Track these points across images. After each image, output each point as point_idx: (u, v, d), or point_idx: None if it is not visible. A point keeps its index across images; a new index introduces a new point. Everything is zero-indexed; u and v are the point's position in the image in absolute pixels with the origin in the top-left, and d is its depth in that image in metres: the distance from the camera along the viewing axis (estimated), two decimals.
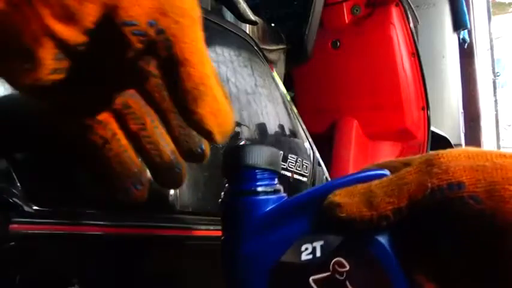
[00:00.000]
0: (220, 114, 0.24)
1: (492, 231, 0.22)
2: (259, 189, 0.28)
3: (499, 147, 3.94)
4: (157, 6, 0.21)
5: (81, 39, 0.21)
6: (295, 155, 0.71)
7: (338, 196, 0.25)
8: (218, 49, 0.66)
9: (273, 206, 0.28)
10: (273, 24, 1.28)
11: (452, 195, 0.22)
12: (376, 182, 0.24)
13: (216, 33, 0.69)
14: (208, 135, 0.24)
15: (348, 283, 0.25)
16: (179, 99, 0.23)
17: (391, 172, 0.26)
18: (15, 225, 0.33)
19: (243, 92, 0.65)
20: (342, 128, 1.52)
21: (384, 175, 0.25)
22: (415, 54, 1.45)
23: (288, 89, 1.08)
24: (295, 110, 0.85)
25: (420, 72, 1.46)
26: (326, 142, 1.47)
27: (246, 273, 0.27)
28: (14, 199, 0.35)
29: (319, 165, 0.83)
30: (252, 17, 0.91)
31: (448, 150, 0.24)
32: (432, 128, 1.54)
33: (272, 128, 0.70)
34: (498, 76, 3.85)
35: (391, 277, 0.24)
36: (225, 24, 0.72)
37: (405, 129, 1.48)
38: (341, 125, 1.52)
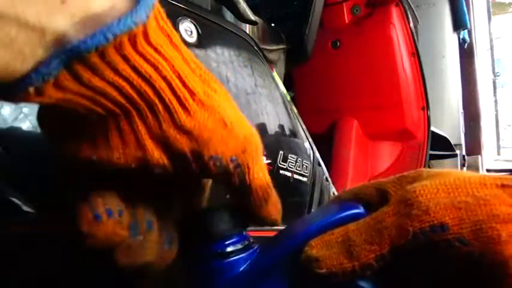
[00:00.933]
0: (277, 205, 0.29)
1: (482, 273, 0.21)
2: (229, 249, 0.26)
3: (499, 147, 3.95)
4: (240, 146, 0.25)
5: (164, 163, 0.23)
6: (295, 155, 0.71)
7: (315, 249, 0.23)
8: (218, 49, 0.66)
9: (246, 265, 0.26)
10: (273, 24, 1.28)
11: (436, 238, 0.21)
12: (352, 227, 0.23)
13: (216, 33, 0.69)
14: (274, 222, 0.29)
15: None
16: (251, 206, 0.27)
17: (365, 204, 0.25)
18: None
19: (243, 92, 0.65)
20: (342, 128, 1.52)
21: (358, 214, 0.24)
22: (415, 54, 1.45)
23: (288, 89, 1.08)
24: (295, 110, 0.85)
25: (420, 72, 1.46)
26: (326, 142, 1.47)
27: None
28: (14, 199, 0.35)
29: (319, 165, 0.83)
30: (252, 17, 0.91)
31: (424, 184, 0.22)
32: (432, 128, 1.54)
33: (272, 128, 0.70)
34: (498, 76, 3.86)
35: None
36: (225, 24, 0.72)
37: (405, 129, 1.48)
38: (341, 125, 1.52)
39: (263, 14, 1.29)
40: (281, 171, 0.67)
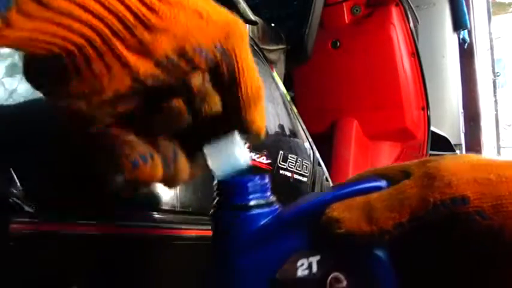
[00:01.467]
0: (264, 117, 0.29)
1: (499, 248, 0.21)
2: (252, 203, 0.27)
3: (499, 147, 3.94)
4: (221, 32, 0.25)
5: (153, 71, 0.23)
6: (295, 155, 0.71)
7: (336, 211, 0.24)
8: None
9: (267, 220, 0.26)
10: (273, 24, 1.28)
11: (456, 210, 0.21)
12: (375, 195, 0.24)
13: None
14: (258, 131, 0.28)
15: None
16: (238, 105, 0.27)
17: (389, 181, 0.25)
18: (15, 225, 0.33)
19: None
20: (342, 128, 1.52)
21: (381, 187, 0.24)
22: (415, 54, 1.45)
23: (288, 89, 1.08)
24: (295, 110, 0.85)
25: (420, 72, 1.46)
26: (326, 142, 1.47)
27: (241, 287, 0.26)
28: (14, 199, 0.35)
29: (319, 165, 0.83)
30: (252, 17, 0.91)
31: (449, 159, 0.23)
32: (432, 128, 1.54)
33: (272, 128, 0.70)
34: (498, 76, 3.85)
35: None
36: None
37: (405, 129, 1.48)
38: (341, 125, 1.52)
39: (263, 14, 1.29)
40: (281, 171, 0.67)
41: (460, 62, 2.45)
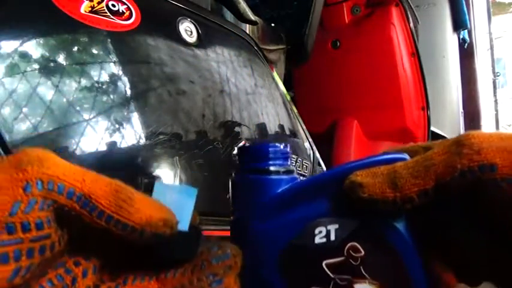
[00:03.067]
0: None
1: None
2: (272, 168, 0.27)
3: None
4: None
5: None
6: (295, 155, 0.71)
7: (360, 176, 0.23)
8: (218, 49, 0.66)
9: (287, 186, 0.27)
10: (273, 24, 1.28)
11: (484, 177, 0.20)
12: (400, 163, 0.23)
13: (216, 33, 0.69)
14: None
15: (362, 269, 0.23)
16: None
17: (412, 157, 0.24)
18: None
19: (243, 92, 0.65)
20: (342, 127, 1.52)
21: (405, 159, 0.24)
22: (415, 54, 1.45)
23: (288, 89, 1.08)
24: (295, 110, 0.85)
25: (420, 72, 1.46)
26: (326, 142, 1.47)
27: (256, 254, 0.26)
28: None
29: (319, 165, 0.83)
30: (252, 17, 0.91)
31: (479, 131, 0.22)
32: (432, 128, 1.54)
33: (272, 128, 0.70)
34: (498, 76, 3.85)
35: (407, 265, 0.23)
36: (225, 24, 0.72)
37: (405, 129, 1.48)
38: (341, 125, 1.52)
39: (263, 14, 1.29)
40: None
41: (460, 62, 2.45)
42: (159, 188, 0.24)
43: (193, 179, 0.51)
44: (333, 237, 0.24)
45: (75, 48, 0.47)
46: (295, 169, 0.29)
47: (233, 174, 0.29)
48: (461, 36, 2.57)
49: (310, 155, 0.78)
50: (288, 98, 0.86)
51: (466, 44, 2.68)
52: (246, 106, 0.64)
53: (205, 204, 0.52)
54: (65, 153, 0.41)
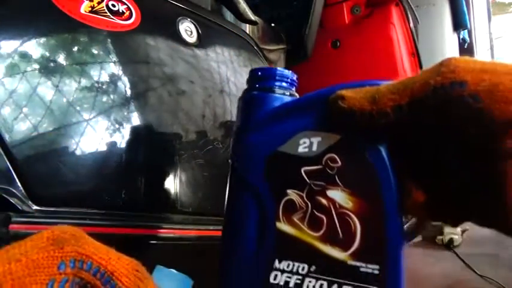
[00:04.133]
0: None
1: (489, 132, 0.21)
2: (275, 87, 0.30)
3: None
4: None
5: None
6: None
7: (345, 91, 0.25)
8: (218, 49, 0.66)
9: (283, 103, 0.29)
10: (273, 24, 1.28)
11: (453, 93, 0.21)
12: (385, 83, 0.25)
13: (216, 33, 0.69)
14: None
15: (336, 177, 0.26)
16: None
17: None
18: (15, 225, 0.33)
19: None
20: None
21: None
22: (415, 54, 1.45)
23: None
24: None
25: None
26: None
27: (247, 159, 0.29)
28: (14, 199, 0.35)
29: None
30: (252, 17, 0.91)
31: (466, 56, 0.23)
32: None
33: None
34: None
35: (380, 177, 0.25)
36: (225, 24, 0.72)
37: None
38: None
39: (263, 14, 1.29)
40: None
41: None
42: (159, 273, 0.26)
43: (193, 179, 0.51)
44: (314, 148, 0.27)
45: (75, 48, 0.47)
46: (297, 96, 0.31)
47: (241, 94, 0.32)
48: (461, 36, 2.57)
49: None
50: None
51: (466, 44, 2.68)
52: None
53: (205, 204, 0.52)
54: (65, 153, 0.41)
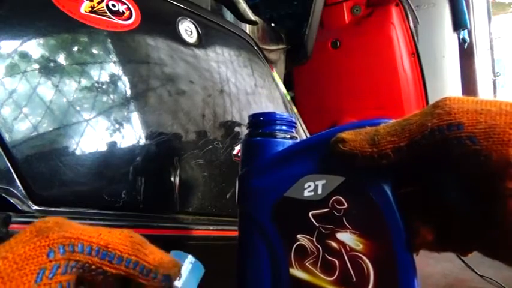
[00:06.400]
0: None
1: (487, 174, 0.21)
2: (276, 132, 0.31)
3: None
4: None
5: None
6: None
7: (345, 134, 0.26)
8: (218, 49, 0.66)
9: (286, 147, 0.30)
10: (273, 24, 1.28)
11: (450, 135, 0.22)
12: (384, 124, 0.25)
13: (216, 33, 0.69)
14: None
15: (344, 220, 0.26)
16: None
17: None
18: (15, 225, 0.33)
19: (243, 92, 0.65)
20: None
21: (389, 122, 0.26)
22: (415, 54, 1.45)
23: (288, 89, 1.08)
24: (295, 110, 0.85)
25: (420, 72, 1.46)
26: None
27: (253, 205, 0.29)
28: (14, 199, 0.35)
29: None
30: (252, 17, 0.91)
31: (457, 95, 0.24)
32: None
33: None
34: (498, 76, 3.85)
35: (387, 218, 0.25)
36: (225, 24, 0.72)
37: None
38: (341, 125, 1.52)
39: (263, 14, 1.29)
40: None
41: (460, 62, 2.45)
42: (174, 254, 0.26)
43: (194, 179, 0.51)
44: (319, 191, 0.27)
45: (75, 48, 0.47)
46: (298, 138, 0.32)
47: (243, 139, 0.33)
48: (461, 36, 2.57)
49: None
50: (288, 98, 0.86)
51: (466, 44, 2.68)
52: (246, 106, 0.64)
53: (205, 204, 0.52)
54: (65, 153, 0.41)
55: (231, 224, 0.52)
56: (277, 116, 0.31)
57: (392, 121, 0.25)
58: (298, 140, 0.31)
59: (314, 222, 0.27)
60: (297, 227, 0.27)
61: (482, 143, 0.21)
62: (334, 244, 0.26)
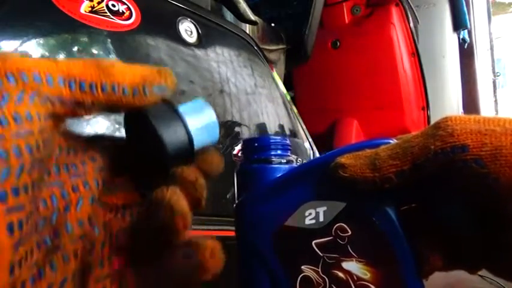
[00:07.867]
0: None
1: (495, 197, 0.21)
2: (273, 158, 0.29)
3: None
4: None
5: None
6: (295, 155, 0.71)
7: (344, 158, 0.24)
8: (218, 49, 0.66)
9: (283, 172, 0.29)
10: (273, 24, 1.28)
11: (455, 158, 0.21)
12: (383, 146, 0.24)
13: (216, 33, 0.69)
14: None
15: (349, 248, 0.25)
16: None
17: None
18: None
19: (243, 92, 0.65)
20: (342, 128, 1.52)
21: (389, 143, 0.25)
22: (415, 54, 1.45)
23: (288, 89, 1.08)
24: (295, 110, 0.85)
25: (420, 72, 1.46)
26: (326, 142, 1.47)
27: (252, 235, 0.28)
28: None
29: None
30: (252, 17, 0.91)
31: (458, 114, 0.23)
32: None
33: (272, 128, 0.70)
34: (498, 76, 3.85)
35: (393, 245, 0.24)
36: (225, 24, 0.72)
37: (405, 129, 1.48)
38: (341, 125, 1.52)
39: (263, 14, 1.29)
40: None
41: (460, 62, 2.45)
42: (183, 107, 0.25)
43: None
44: (321, 219, 0.26)
45: (75, 48, 0.47)
46: (294, 160, 0.31)
47: (237, 167, 0.31)
48: (461, 36, 2.57)
49: (310, 155, 0.78)
50: (288, 98, 0.86)
51: (466, 44, 2.68)
52: (246, 106, 0.64)
53: (205, 204, 0.52)
54: None
55: (231, 224, 0.52)
56: (272, 141, 0.30)
57: (392, 142, 0.24)
58: (295, 163, 0.30)
59: (318, 251, 0.26)
60: (300, 257, 0.26)
61: (490, 166, 0.20)
62: (340, 274, 0.25)
